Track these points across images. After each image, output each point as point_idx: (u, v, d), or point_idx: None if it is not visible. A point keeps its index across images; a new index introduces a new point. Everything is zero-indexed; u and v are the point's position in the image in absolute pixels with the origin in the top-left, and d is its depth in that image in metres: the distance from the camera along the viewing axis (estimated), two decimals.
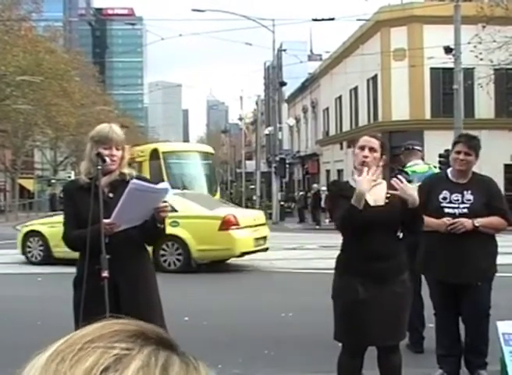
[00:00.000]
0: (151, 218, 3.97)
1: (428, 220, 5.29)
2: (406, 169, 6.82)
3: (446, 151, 15.23)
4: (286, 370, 6.11)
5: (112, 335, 0.75)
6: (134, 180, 3.91)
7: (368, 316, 4.33)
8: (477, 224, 5.16)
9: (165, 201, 4.00)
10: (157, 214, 3.94)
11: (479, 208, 5.24)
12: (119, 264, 3.87)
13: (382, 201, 4.42)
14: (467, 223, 5.16)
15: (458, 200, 5.29)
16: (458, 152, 5.32)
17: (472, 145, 5.35)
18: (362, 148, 4.43)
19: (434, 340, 5.72)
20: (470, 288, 5.31)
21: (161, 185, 3.98)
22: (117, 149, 4.04)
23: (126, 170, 4.13)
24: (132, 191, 3.84)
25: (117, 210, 3.85)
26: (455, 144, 5.45)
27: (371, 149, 4.41)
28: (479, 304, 5.36)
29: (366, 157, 4.39)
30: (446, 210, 5.28)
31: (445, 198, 5.31)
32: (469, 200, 5.27)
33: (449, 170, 5.50)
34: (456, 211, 5.26)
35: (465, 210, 5.25)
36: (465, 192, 5.30)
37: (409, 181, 4.70)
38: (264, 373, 6.04)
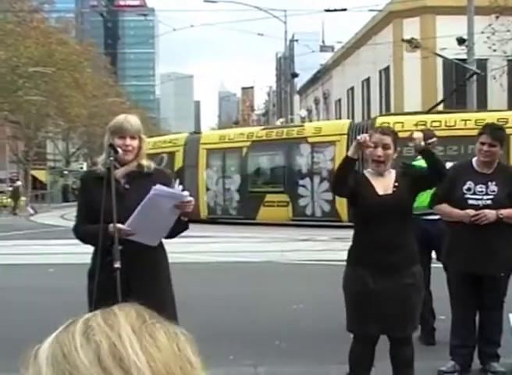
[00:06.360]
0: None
1: (452, 211, 5.28)
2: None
3: None
4: (297, 362, 6.10)
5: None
6: (158, 186, 3.80)
7: (376, 307, 4.33)
8: (501, 215, 5.12)
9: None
10: (181, 209, 3.84)
11: (503, 199, 5.19)
12: (131, 257, 3.83)
13: (390, 190, 4.47)
14: (491, 214, 5.11)
15: (482, 191, 5.23)
16: (482, 143, 5.26)
17: (497, 136, 5.28)
18: (376, 145, 4.43)
19: (445, 332, 5.69)
20: (492, 279, 5.28)
21: (178, 190, 3.85)
22: (133, 138, 4.01)
23: (145, 162, 4.08)
24: (152, 198, 3.77)
25: (134, 216, 3.79)
26: (479, 134, 5.38)
27: (385, 146, 4.43)
28: (499, 294, 5.35)
29: (380, 156, 4.44)
30: (470, 201, 5.23)
31: (469, 189, 5.26)
32: (493, 191, 5.22)
33: (474, 160, 5.42)
34: (480, 202, 5.21)
35: (489, 201, 5.20)
36: (490, 183, 5.24)
37: None
38: (276, 364, 6.03)
